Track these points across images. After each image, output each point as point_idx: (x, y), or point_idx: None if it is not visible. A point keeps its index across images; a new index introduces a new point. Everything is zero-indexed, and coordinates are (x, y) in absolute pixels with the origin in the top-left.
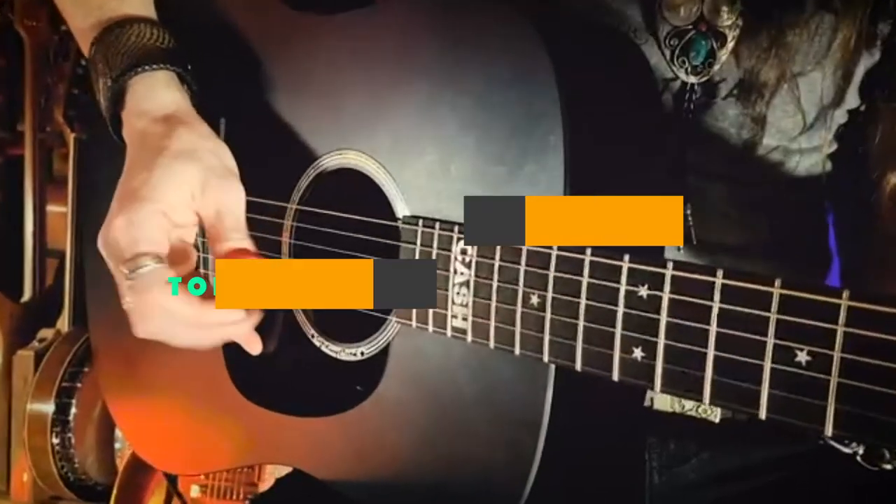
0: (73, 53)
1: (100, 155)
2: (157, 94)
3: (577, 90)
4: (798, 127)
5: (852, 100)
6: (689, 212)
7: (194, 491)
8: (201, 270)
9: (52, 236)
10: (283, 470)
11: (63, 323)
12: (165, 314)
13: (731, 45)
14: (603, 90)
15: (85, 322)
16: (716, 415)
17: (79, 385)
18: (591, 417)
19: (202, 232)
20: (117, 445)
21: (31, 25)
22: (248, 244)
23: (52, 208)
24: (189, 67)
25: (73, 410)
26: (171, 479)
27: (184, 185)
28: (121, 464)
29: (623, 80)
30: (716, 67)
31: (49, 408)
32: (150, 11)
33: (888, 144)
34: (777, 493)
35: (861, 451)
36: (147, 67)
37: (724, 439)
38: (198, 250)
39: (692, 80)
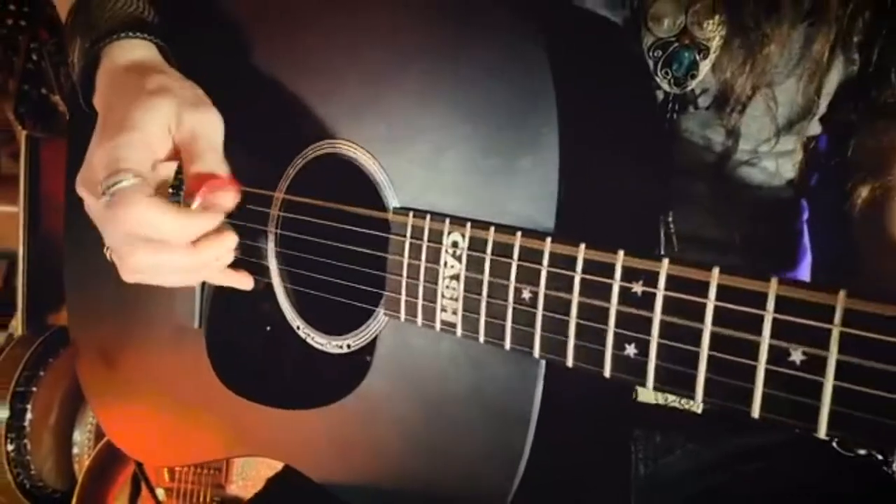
0: (23, 48)
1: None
2: (133, 53)
3: (571, 81)
4: (771, 135)
5: (824, 111)
6: (670, 219)
7: (159, 494)
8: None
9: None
10: (253, 473)
11: (16, 326)
12: (150, 231)
13: (713, 57)
14: (597, 83)
15: (38, 325)
16: (698, 406)
17: (34, 390)
18: (580, 411)
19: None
20: (75, 451)
21: None
22: (222, 169)
23: (0, 208)
24: (168, 47)
25: (29, 416)
26: (145, 478)
27: (161, 118)
28: (79, 470)
29: (617, 75)
30: (697, 79)
31: (3, 414)
32: None
33: (860, 157)
34: (760, 481)
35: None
36: (129, 35)
37: (707, 430)
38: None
39: (674, 90)
